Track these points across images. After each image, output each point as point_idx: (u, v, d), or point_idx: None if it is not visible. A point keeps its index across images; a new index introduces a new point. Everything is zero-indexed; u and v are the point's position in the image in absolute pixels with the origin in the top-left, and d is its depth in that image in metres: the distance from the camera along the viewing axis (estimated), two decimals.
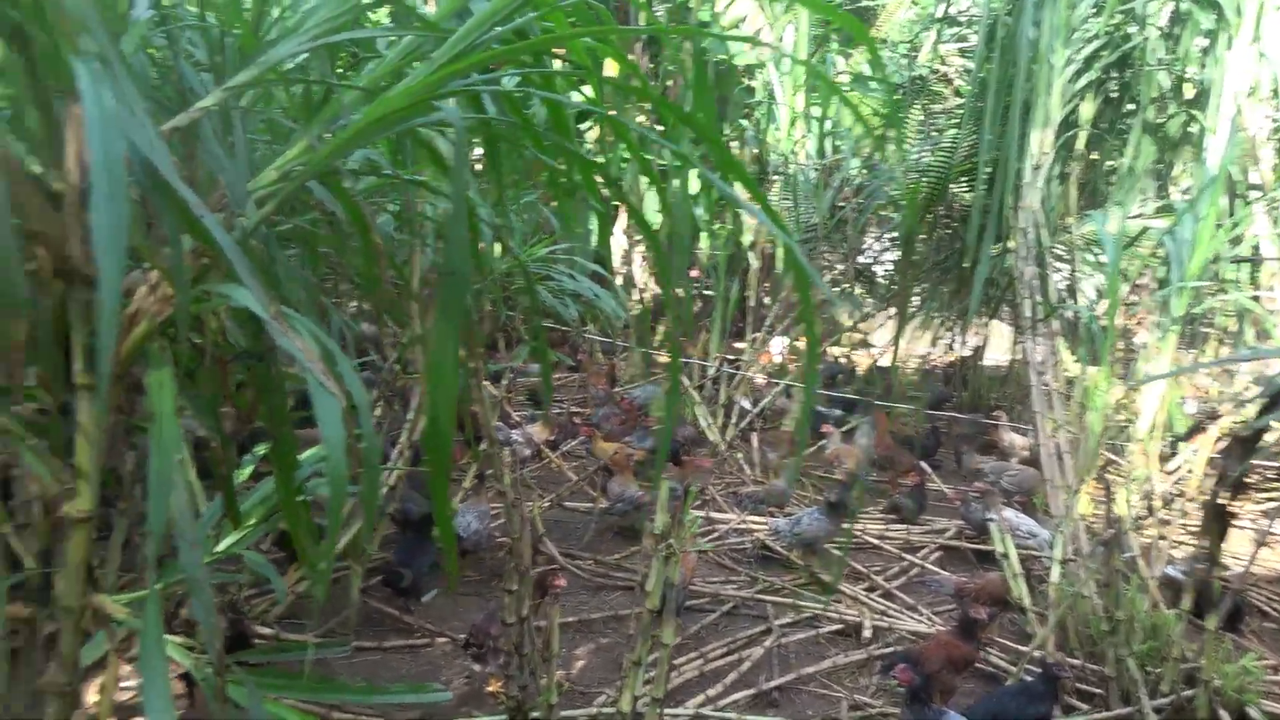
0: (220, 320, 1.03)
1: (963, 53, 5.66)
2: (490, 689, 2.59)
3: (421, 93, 0.94)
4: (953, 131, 4.93)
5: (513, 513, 2.37)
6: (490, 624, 2.57)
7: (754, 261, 5.27)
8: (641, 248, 5.39)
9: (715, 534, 3.87)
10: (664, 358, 5.41)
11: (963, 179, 5.08)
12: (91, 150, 0.58)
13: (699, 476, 3.84)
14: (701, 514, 3.98)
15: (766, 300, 5.56)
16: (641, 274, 5.43)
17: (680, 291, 5.49)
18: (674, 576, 2.28)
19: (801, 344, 5.75)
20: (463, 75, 0.98)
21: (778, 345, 5.56)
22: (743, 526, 3.92)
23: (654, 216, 5.05)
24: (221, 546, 1.27)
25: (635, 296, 5.40)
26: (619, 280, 5.48)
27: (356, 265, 2.46)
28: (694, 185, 4.81)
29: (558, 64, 1.43)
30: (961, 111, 4.96)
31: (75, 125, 0.90)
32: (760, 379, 5.22)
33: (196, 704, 1.73)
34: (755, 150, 5.09)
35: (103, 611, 1.02)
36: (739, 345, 5.71)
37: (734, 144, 5.23)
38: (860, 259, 5.87)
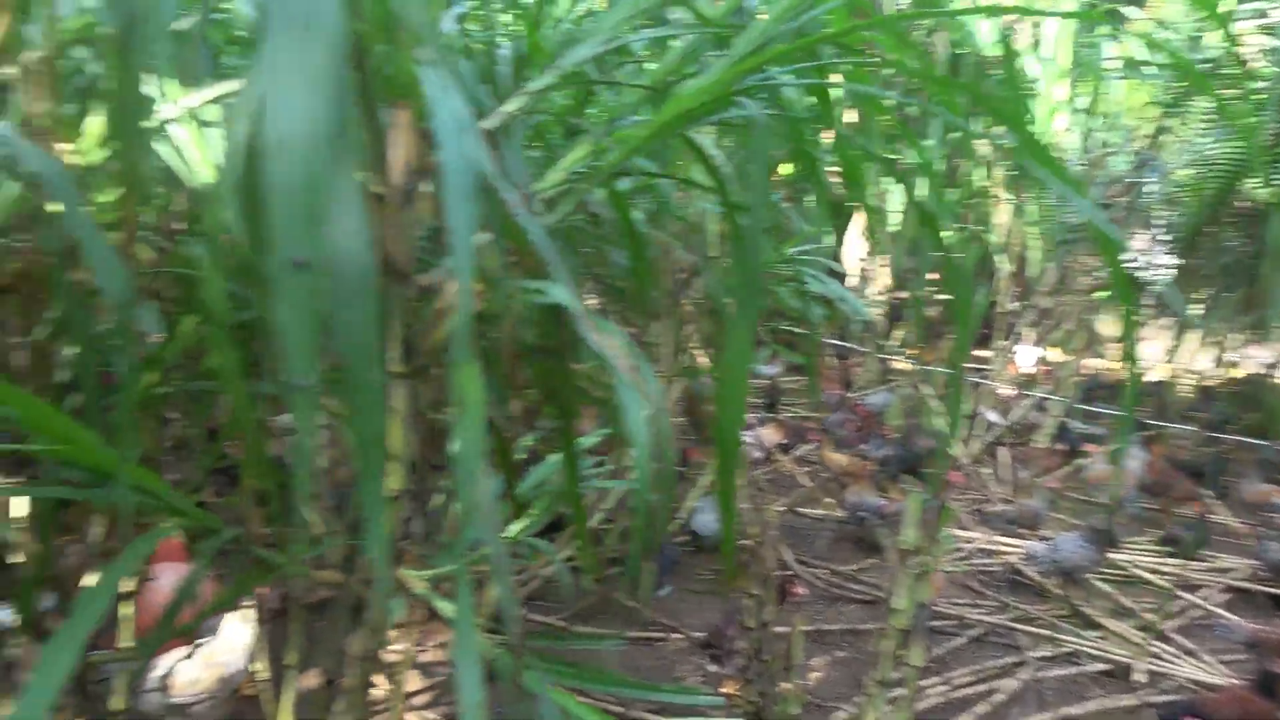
0: (515, 316, 1.07)
1: (1264, 30, 4.99)
2: (725, 691, 2.58)
3: (716, 90, 0.93)
4: (1251, 119, 4.34)
5: (756, 516, 2.35)
6: (729, 626, 2.57)
7: (1004, 264, 4.92)
8: (881, 248, 5.20)
9: (960, 553, 3.65)
10: (900, 363, 5.19)
11: (1257, 173, 4.46)
12: (445, 155, 0.61)
13: (948, 491, 3.63)
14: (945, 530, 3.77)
15: (1015, 306, 5.19)
16: (881, 275, 5.23)
17: (919, 294, 5.23)
18: (926, 596, 2.17)
19: (1054, 355, 5.31)
20: (752, 72, 0.97)
21: (1027, 355, 5.17)
22: (990, 547, 3.67)
23: (895, 216, 4.85)
24: (511, 532, 1.33)
25: (874, 298, 5.22)
26: (854, 281, 5.32)
27: (606, 266, 2.53)
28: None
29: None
30: (1263, 97, 4.37)
31: (400, 132, 0.97)
32: (1008, 390, 4.87)
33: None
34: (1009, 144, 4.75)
35: (405, 584, 1.09)
36: (983, 353, 5.37)
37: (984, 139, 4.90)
38: (1130, 262, 5.32)
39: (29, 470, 1.45)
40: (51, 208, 1.10)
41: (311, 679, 2.39)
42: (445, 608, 1.09)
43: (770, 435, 4.28)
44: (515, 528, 1.32)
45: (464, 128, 0.63)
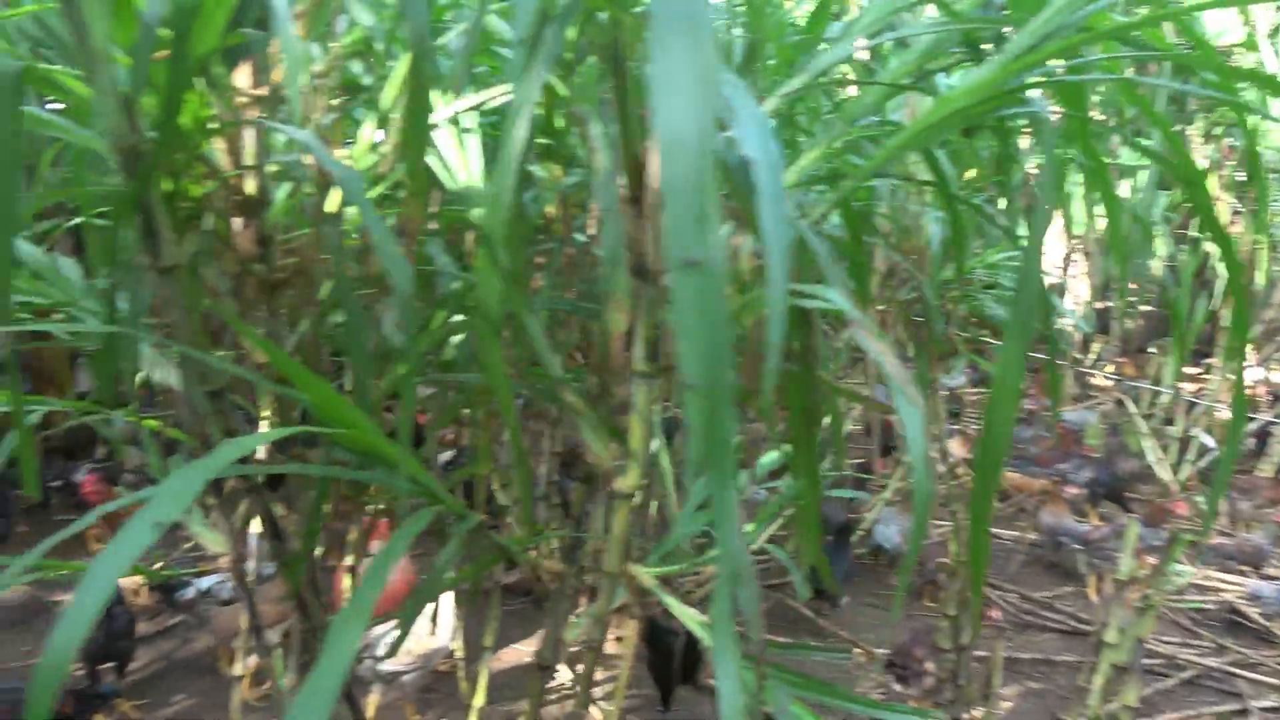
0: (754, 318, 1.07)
1: None
2: None
3: (988, 89, 0.89)
4: None
5: (960, 533, 2.25)
6: (916, 645, 2.47)
7: (1226, 273, 4.49)
8: (1082, 253, 4.87)
9: (1170, 588, 3.37)
10: (1100, 379, 4.85)
11: None
12: (756, 157, 0.60)
13: (1167, 521, 3.35)
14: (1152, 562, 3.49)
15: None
16: (1082, 282, 4.91)
17: (1121, 303, 4.87)
18: (1145, 632, 2.01)
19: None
20: (1026, 70, 0.91)
21: (1250, 374, 4.70)
22: (1204, 583, 3.36)
23: (1087, 218, 4.53)
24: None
25: (1073, 305, 4.90)
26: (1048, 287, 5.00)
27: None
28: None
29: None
30: None
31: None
32: (1227, 412, 4.44)
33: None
34: (1240, 143, 4.34)
35: (635, 580, 1.11)
36: (1196, 371, 4.93)
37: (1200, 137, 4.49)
38: None
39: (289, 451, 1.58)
40: (328, 207, 1.19)
41: (501, 660, 2.49)
42: (674, 605, 1.10)
43: (957, 448, 4.10)
44: (747, 529, 1.33)
45: (766, 130, 0.63)
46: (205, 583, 2.74)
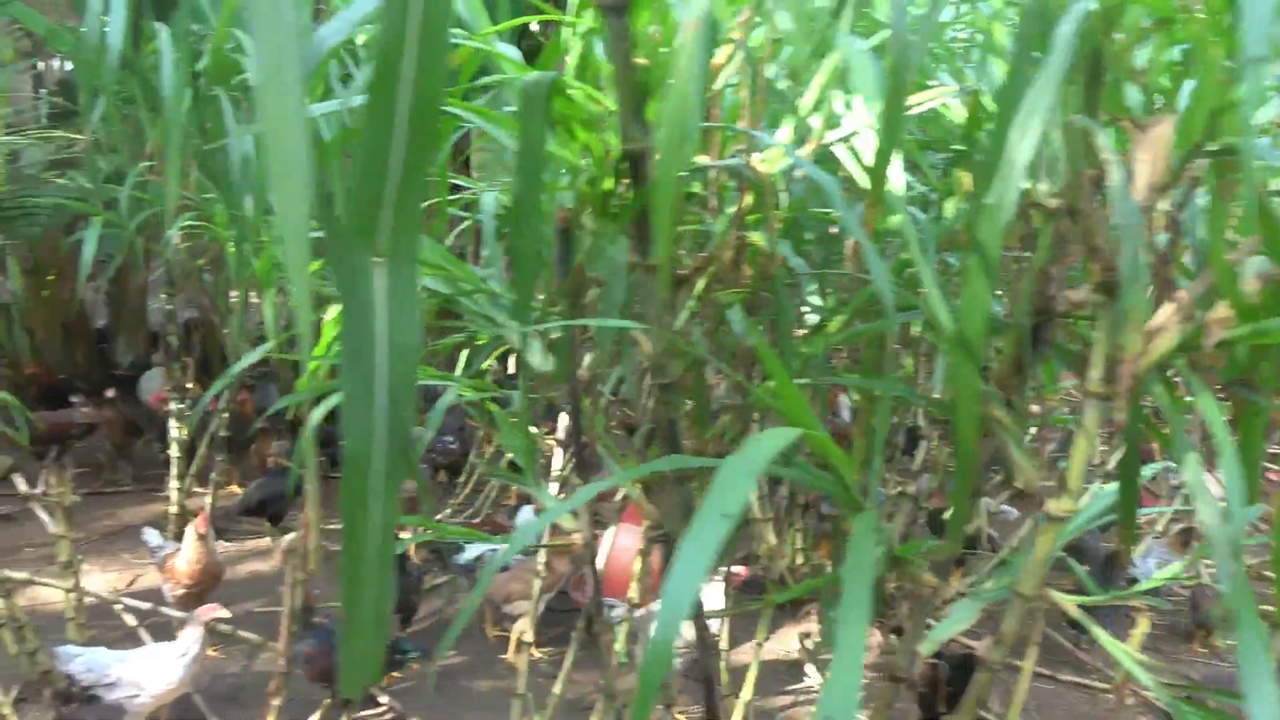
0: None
1: None
2: None
3: None
4: None
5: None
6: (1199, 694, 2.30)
7: None
8: None
9: None
10: None
11: None
12: None
13: None
14: None
15: None
16: None
17: None
18: None
19: None
20: None
21: None
22: None
23: None
24: None
25: None
26: None
27: None
28: None
29: None
30: None
31: (1154, 148, 0.94)
32: None
33: None
34: None
35: (1055, 604, 1.08)
36: None
37: None
38: None
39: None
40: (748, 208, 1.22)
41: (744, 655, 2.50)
42: (1102, 636, 1.07)
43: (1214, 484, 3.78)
44: None
45: None
46: (476, 549, 2.91)
